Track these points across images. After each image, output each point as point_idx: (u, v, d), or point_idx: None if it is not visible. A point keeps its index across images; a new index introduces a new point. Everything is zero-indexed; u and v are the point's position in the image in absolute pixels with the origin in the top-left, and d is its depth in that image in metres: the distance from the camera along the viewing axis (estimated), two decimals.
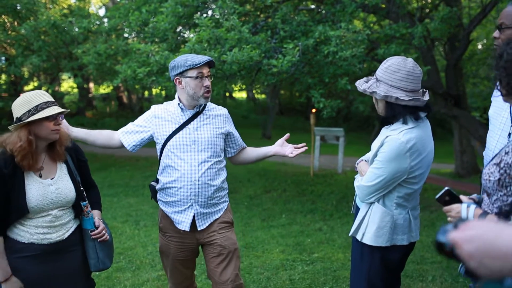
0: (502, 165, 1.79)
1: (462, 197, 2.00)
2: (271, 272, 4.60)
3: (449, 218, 1.98)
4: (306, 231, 6.01)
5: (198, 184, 2.86)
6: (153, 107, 3.03)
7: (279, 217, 6.69)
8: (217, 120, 3.01)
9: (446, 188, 1.99)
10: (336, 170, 10.05)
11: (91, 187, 2.74)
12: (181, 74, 2.86)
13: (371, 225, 2.50)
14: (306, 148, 3.06)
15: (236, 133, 3.16)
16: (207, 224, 2.95)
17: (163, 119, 2.94)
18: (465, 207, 1.91)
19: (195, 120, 2.94)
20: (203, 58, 2.84)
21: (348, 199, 7.55)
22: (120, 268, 4.76)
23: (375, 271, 2.55)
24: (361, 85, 2.46)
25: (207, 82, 2.86)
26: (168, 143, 2.89)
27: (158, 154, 2.98)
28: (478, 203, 2.03)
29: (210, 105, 3.06)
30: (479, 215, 1.86)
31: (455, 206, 1.95)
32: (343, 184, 8.73)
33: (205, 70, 2.86)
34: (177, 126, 2.91)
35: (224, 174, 3.03)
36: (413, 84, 2.39)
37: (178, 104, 2.94)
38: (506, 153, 1.79)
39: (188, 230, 2.92)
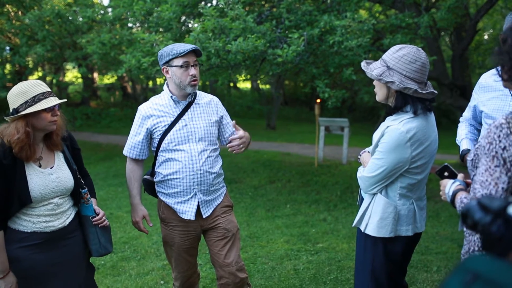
0: (477, 146, 1.84)
1: (460, 174, 2.04)
2: (276, 262, 4.61)
3: (440, 192, 2.04)
4: (310, 221, 6.02)
5: (200, 173, 2.90)
6: (140, 108, 3.01)
7: (283, 207, 6.70)
8: (210, 108, 3.04)
9: (445, 164, 2.06)
10: (341, 160, 10.03)
11: (85, 175, 2.76)
12: (167, 63, 2.88)
13: (374, 216, 2.50)
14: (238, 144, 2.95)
15: (227, 120, 3.17)
16: (211, 211, 3.01)
17: (155, 117, 2.93)
18: (450, 183, 1.97)
19: (189, 110, 2.95)
20: (188, 47, 2.83)
21: (353, 189, 7.55)
22: (125, 257, 4.79)
23: (379, 262, 2.55)
24: (372, 70, 2.42)
25: (193, 71, 2.86)
26: (166, 137, 2.90)
27: (155, 148, 2.98)
28: None
29: (200, 93, 3.08)
30: (455, 190, 1.93)
31: (445, 181, 2.03)
32: (347, 174, 8.72)
33: (191, 59, 2.86)
34: (172, 119, 2.92)
35: (220, 161, 3.09)
36: (425, 76, 2.37)
37: (171, 96, 2.94)
38: (483, 136, 1.84)
39: (193, 219, 2.95)
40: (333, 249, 4.97)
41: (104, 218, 2.67)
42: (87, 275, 2.71)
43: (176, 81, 2.88)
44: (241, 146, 2.94)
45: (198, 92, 3.07)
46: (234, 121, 3.03)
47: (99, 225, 2.64)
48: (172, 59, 2.84)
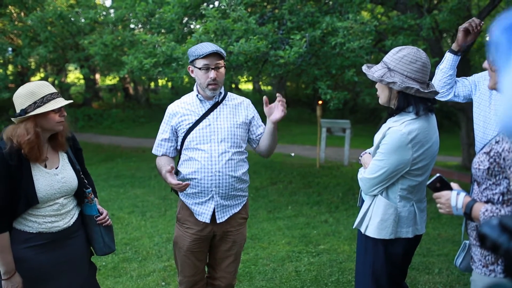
0: (492, 154, 1.80)
1: (453, 184, 2.00)
2: (277, 264, 4.61)
3: (438, 205, 1.99)
4: (312, 223, 6.01)
5: (219, 176, 2.83)
6: (169, 106, 3.01)
7: (285, 208, 6.69)
8: (238, 110, 2.97)
9: (438, 174, 1.99)
10: (342, 162, 10.03)
11: (86, 175, 2.76)
12: (192, 63, 2.87)
13: (374, 218, 2.49)
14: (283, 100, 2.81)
15: (258, 122, 3.05)
16: (226, 217, 2.94)
17: (182, 114, 2.91)
18: (455, 194, 1.91)
19: (215, 110, 2.91)
20: (209, 49, 2.78)
21: (354, 191, 7.53)
22: (127, 258, 4.79)
23: (379, 263, 2.55)
24: (373, 73, 2.41)
25: (212, 74, 2.79)
26: (189, 135, 2.87)
27: (179, 146, 2.97)
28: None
29: (232, 95, 3.03)
30: (467, 203, 1.87)
31: (445, 193, 1.96)
32: (349, 176, 8.71)
33: (212, 62, 2.80)
34: (197, 118, 2.88)
35: (245, 166, 2.99)
36: (426, 75, 2.37)
37: (197, 95, 2.92)
38: (497, 142, 1.80)
39: (209, 222, 2.90)
40: (334, 250, 4.96)
41: (107, 217, 2.68)
42: (90, 274, 2.72)
43: (198, 81, 2.88)
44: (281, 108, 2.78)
45: (229, 93, 3.03)
46: (265, 97, 2.83)
47: (103, 224, 2.65)
48: (194, 59, 2.83)
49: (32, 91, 2.34)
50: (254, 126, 3.04)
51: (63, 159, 2.55)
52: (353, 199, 7.09)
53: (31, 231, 2.39)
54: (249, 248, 5.02)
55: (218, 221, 2.92)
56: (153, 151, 3.05)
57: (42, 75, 16.16)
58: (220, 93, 2.94)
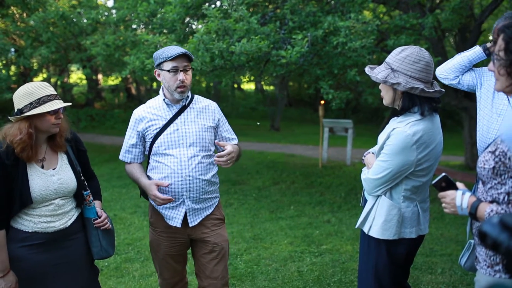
0: (497, 153, 1.79)
1: (458, 184, 1.99)
2: (280, 264, 4.60)
3: (443, 205, 1.98)
4: (314, 223, 6.00)
5: (189, 180, 2.81)
6: (135, 111, 2.96)
7: (287, 208, 6.68)
8: (205, 113, 2.94)
9: (444, 174, 1.98)
10: (345, 162, 10.01)
11: (91, 177, 2.76)
12: (159, 66, 2.82)
13: (378, 218, 2.48)
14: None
15: (223, 127, 3.03)
16: (198, 221, 2.91)
17: (149, 119, 2.87)
18: (460, 194, 1.91)
19: (182, 114, 2.88)
20: (177, 51, 2.75)
21: (357, 191, 7.52)
22: (129, 259, 4.79)
23: (382, 263, 2.54)
24: (376, 74, 2.40)
25: (181, 76, 2.77)
26: (157, 140, 2.84)
27: (147, 151, 2.93)
28: None
29: (198, 98, 3.00)
30: (473, 203, 1.86)
31: (450, 192, 1.96)
32: (351, 176, 8.70)
33: (181, 64, 2.77)
34: (164, 122, 2.85)
35: (215, 169, 2.96)
36: (430, 75, 2.36)
37: (164, 99, 2.88)
38: (502, 141, 1.77)
39: (180, 227, 2.88)
40: (337, 251, 4.95)
41: (106, 221, 2.65)
42: (91, 277, 2.70)
43: (165, 85, 2.83)
44: (228, 161, 2.77)
45: (196, 96, 3.00)
46: (216, 141, 2.93)
47: (101, 228, 2.63)
48: (162, 62, 2.78)
49: (29, 92, 2.35)
50: (221, 129, 3.02)
51: (62, 160, 2.54)
52: (356, 199, 7.08)
53: (26, 230, 2.40)
54: (251, 248, 5.02)
55: (190, 225, 2.89)
56: (121, 157, 3.02)
57: (45, 75, 16.18)
58: (188, 96, 2.91)
